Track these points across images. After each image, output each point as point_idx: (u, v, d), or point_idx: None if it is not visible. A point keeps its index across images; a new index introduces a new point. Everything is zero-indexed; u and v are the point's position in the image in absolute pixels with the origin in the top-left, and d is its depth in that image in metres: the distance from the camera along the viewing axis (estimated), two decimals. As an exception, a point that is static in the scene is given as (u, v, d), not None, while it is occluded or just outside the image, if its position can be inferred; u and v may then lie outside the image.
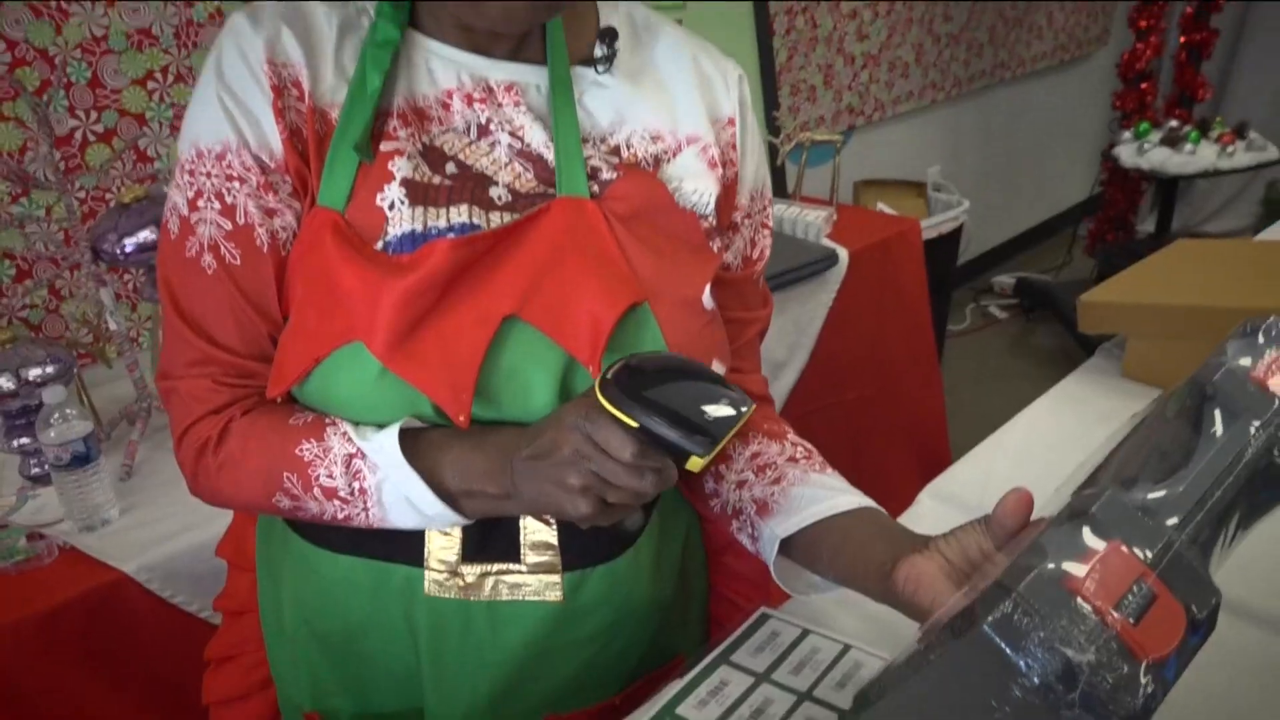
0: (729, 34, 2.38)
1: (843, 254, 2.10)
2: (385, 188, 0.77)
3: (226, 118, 0.76)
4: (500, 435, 0.74)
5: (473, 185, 0.79)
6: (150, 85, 1.61)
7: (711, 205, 0.85)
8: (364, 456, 0.75)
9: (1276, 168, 3.10)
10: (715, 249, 0.86)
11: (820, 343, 2.11)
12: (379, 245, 0.76)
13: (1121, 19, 3.73)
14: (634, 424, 0.64)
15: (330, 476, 0.76)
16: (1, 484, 1.40)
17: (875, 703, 0.56)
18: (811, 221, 2.15)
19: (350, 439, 0.75)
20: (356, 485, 0.75)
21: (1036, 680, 0.47)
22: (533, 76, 0.82)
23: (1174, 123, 3.16)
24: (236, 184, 0.77)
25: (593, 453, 0.66)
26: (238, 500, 0.82)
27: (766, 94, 2.54)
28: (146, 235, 1.41)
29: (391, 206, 0.76)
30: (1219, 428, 0.55)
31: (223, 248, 0.77)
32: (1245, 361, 0.57)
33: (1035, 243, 4.10)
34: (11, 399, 1.34)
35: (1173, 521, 0.51)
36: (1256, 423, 0.55)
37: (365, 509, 0.76)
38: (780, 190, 2.53)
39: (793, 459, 0.83)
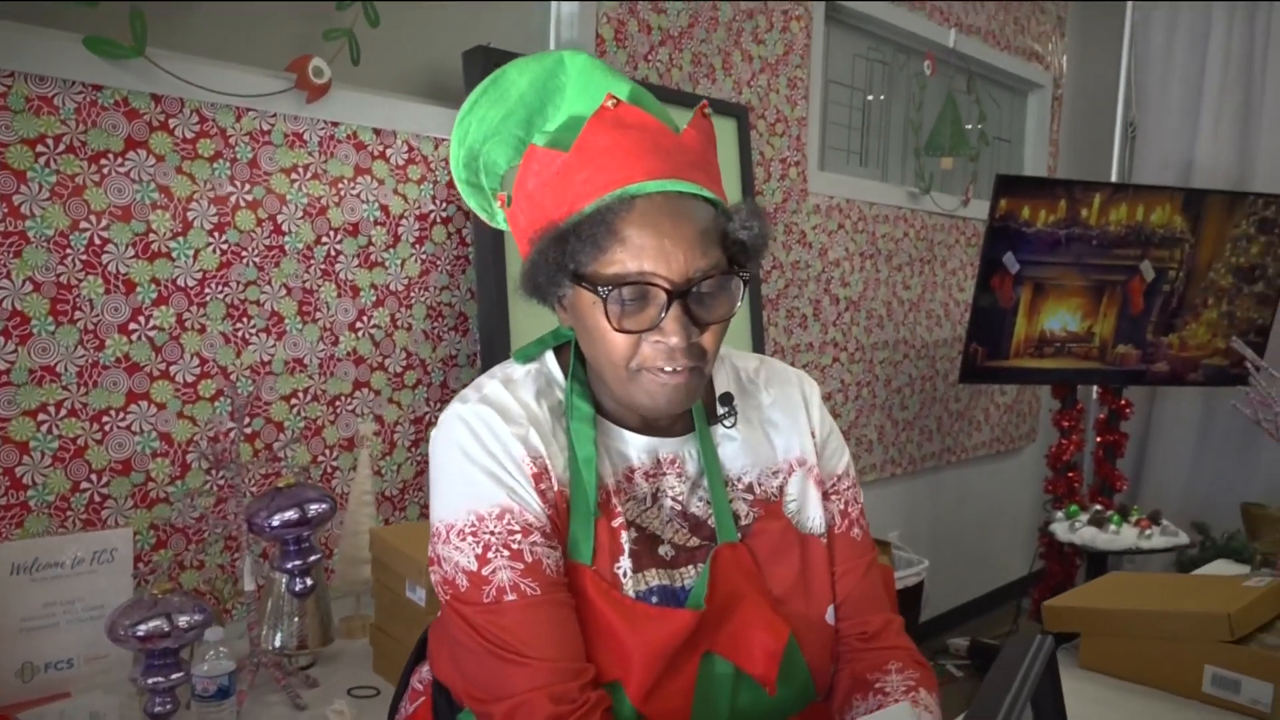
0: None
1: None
2: (620, 559, 0.94)
3: (500, 487, 0.91)
4: None
5: (650, 547, 0.96)
6: (293, 402, 2.00)
7: (824, 526, 1.04)
8: None
9: (1187, 550, 3.54)
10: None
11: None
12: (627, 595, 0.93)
13: (1047, 419, 4.37)
14: None
15: None
16: (122, 722, 1.59)
17: None
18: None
19: None
20: None
21: None
22: (685, 446, 1.00)
23: (1098, 507, 3.63)
24: (519, 535, 0.91)
25: None
26: None
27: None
28: (290, 515, 1.71)
29: (625, 574, 0.94)
30: None
31: (522, 584, 0.90)
32: None
33: (985, 610, 4.44)
34: (162, 638, 1.57)
35: None
36: None
37: None
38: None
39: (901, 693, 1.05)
